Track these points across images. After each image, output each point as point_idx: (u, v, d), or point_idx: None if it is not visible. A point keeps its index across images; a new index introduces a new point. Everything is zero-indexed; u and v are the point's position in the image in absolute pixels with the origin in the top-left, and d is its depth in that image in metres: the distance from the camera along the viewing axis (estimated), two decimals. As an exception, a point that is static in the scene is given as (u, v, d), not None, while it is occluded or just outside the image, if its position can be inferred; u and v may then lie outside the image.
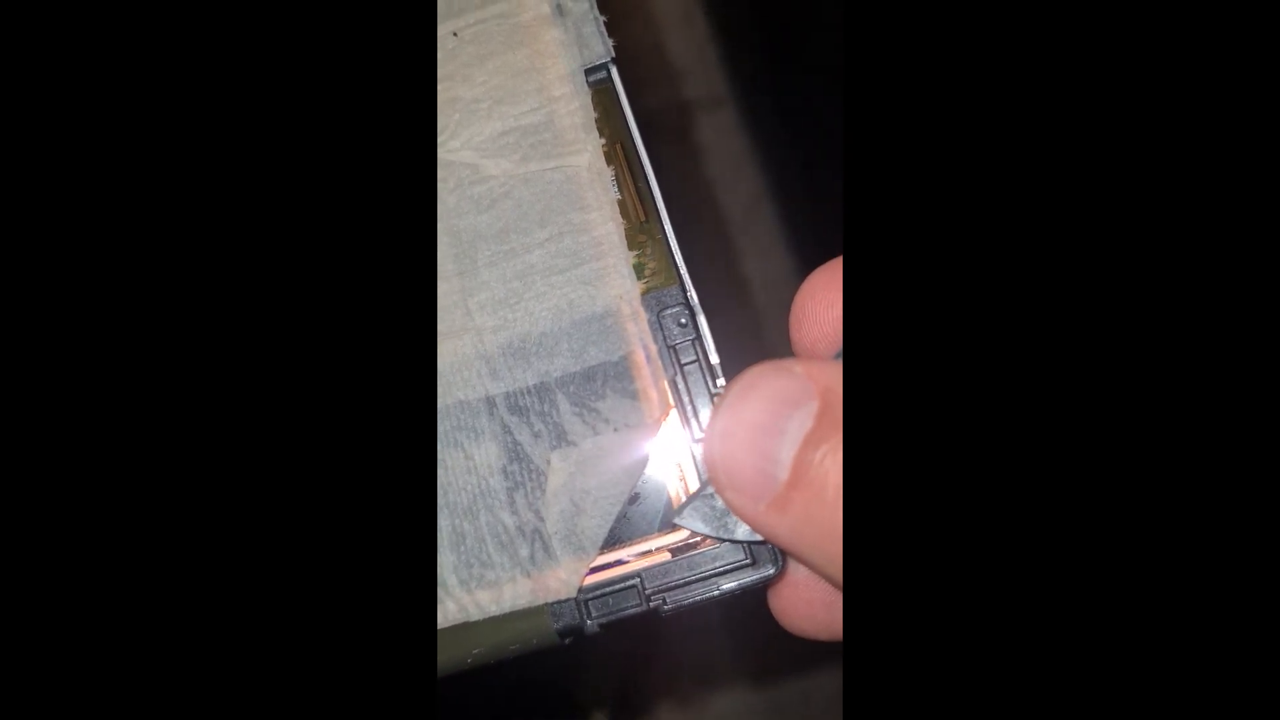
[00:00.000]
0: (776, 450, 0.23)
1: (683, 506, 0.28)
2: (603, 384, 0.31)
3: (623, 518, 0.30)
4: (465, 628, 0.30)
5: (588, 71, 0.33)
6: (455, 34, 0.35)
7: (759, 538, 0.27)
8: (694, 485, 0.30)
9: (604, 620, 0.30)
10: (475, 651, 0.30)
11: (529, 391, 0.31)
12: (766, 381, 0.24)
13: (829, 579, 0.24)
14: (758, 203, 0.89)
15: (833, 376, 0.24)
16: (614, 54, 0.34)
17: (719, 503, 0.27)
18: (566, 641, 0.30)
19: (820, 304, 0.29)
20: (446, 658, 0.30)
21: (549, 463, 0.30)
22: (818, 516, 0.23)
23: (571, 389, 0.31)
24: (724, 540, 0.29)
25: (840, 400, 0.23)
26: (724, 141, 0.90)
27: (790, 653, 0.86)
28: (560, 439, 0.31)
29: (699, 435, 0.30)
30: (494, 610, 0.30)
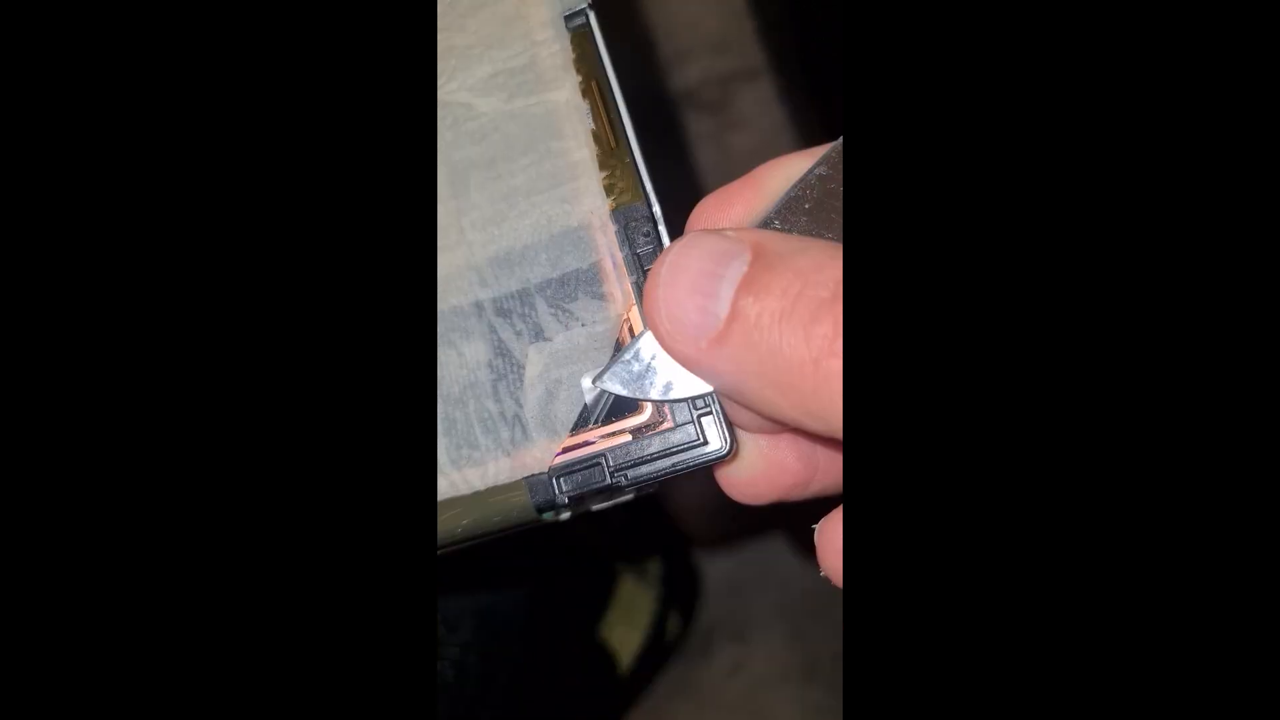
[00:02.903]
0: (717, 290, 0.27)
1: (602, 371, 0.32)
2: (575, 287, 0.35)
3: (592, 405, 0.34)
4: (455, 501, 0.35)
5: (567, 17, 0.37)
6: (455, -10, 0.39)
7: (673, 397, 0.31)
8: (652, 374, 0.34)
9: (573, 493, 0.34)
10: (464, 523, 0.35)
11: (513, 296, 0.35)
12: (704, 239, 0.28)
13: (765, 408, 0.28)
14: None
15: (761, 235, 0.28)
16: (592, 1, 0.38)
17: (635, 366, 0.31)
18: (544, 517, 0.35)
19: (710, 222, 0.33)
20: (440, 528, 0.35)
21: (528, 356, 0.35)
22: (758, 342, 0.26)
23: (549, 293, 0.35)
24: (641, 400, 0.32)
25: (771, 252, 0.27)
26: (762, 113, 0.93)
27: (830, 616, 0.88)
28: (538, 336, 0.35)
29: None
30: (479, 486, 0.34)
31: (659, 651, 0.76)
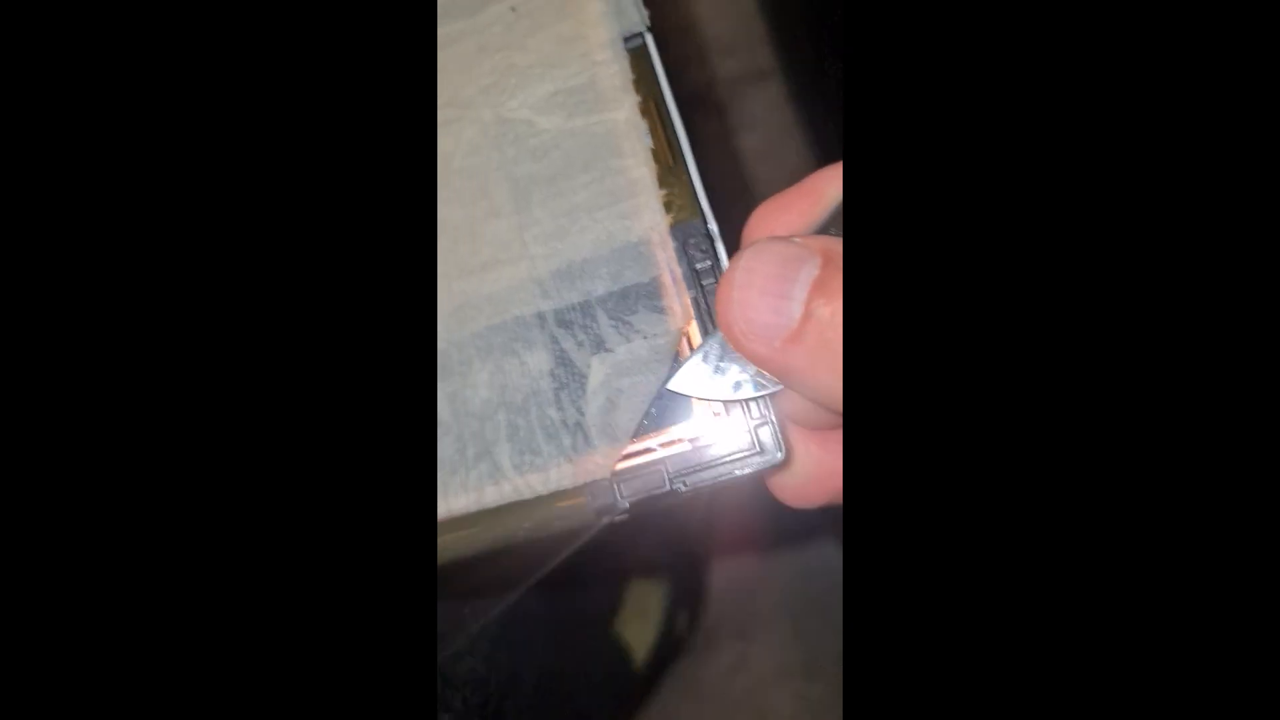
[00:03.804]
0: (789, 292, 0.29)
1: (674, 374, 0.34)
2: (635, 301, 0.36)
3: (651, 413, 0.36)
4: (517, 505, 0.36)
5: (626, 39, 0.39)
6: (513, 9, 0.40)
7: (741, 397, 0.33)
8: (710, 386, 0.35)
9: (633, 498, 0.35)
10: (525, 526, 0.36)
11: (574, 308, 0.37)
12: (775, 245, 0.30)
13: (835, 403, 0.29)
14: (801, 175, 0.93)
15: (828, 241, 0.29)
16: (649, 23, 0.39)
17: (705, 368, 0.33)
18: (603, 520, 0.36)
19: (767, 229, 0.34)
20: (502, 531, 0.36)
21: (589, 366, 0.36)
22: (830, 340, 0.28)
23: (609, 305, 0.37)
24: (712, 400, 0.34)
25: (838, 257, 0.28)
26: (771, 115, 0.95)
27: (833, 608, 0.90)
28: (599, 347, 0.36)
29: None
30: (541, 490, 0.36)
31: (669, 647, 0.78)
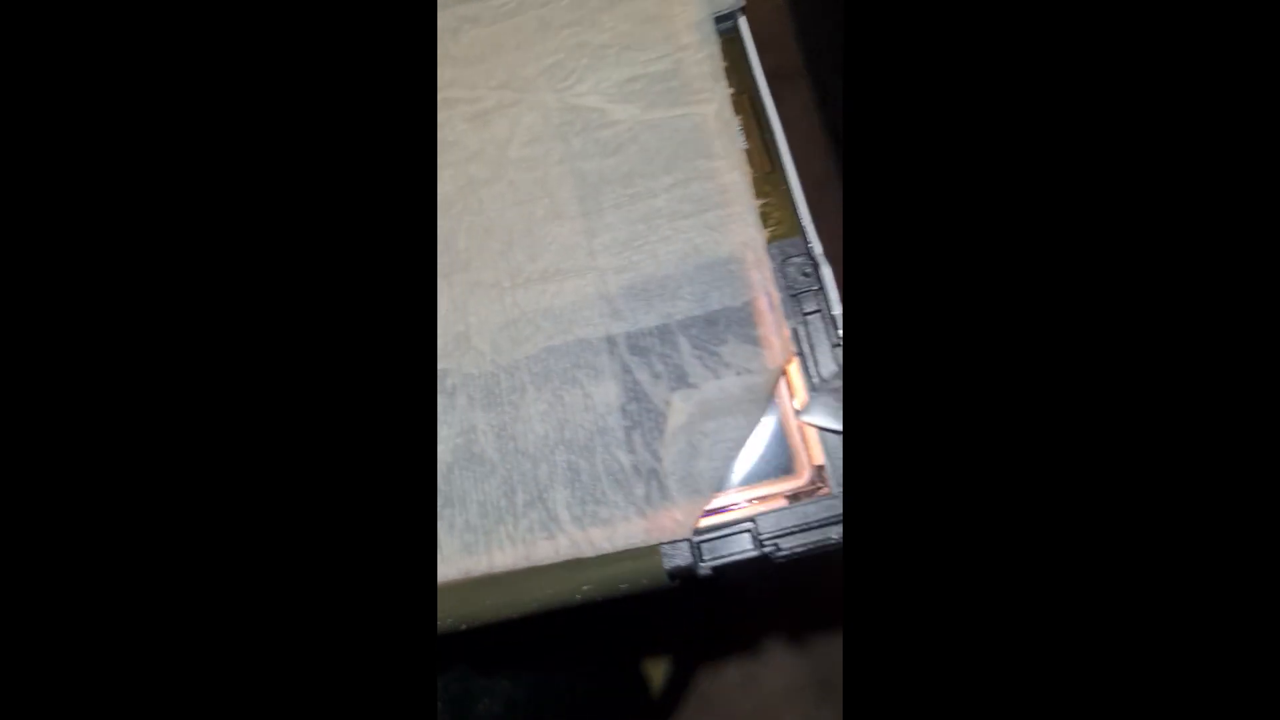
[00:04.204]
0: None
1: (807, 404, 0.28)
2: (725, 328, 0.31)
3: (741, 463, 0.30)
4: (576, 564, 0.31)
5: (717, 19, 0.33)
6: (585, -22, 0.35)
7: None
8: (813, 435, 0.30)
9: (716, 564, 0.30)
10: (584, 588, 0.31)
11: (650, 333, 0.31)
12: None
13: None
14: (829, 180, 0.88)
15: None
16: (744, 2, 0.33)
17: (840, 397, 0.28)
18: (675, 582, 0.31)
19: None
20: (555, 592, 0.31)
21: (668, 403, 0.31)
22: None
23: (693, 332, 0.31)
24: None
25: None
26: (801, 116, 0.90)
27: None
28: (680, 380, 0.31)
29: (819, 382, 0.30)
30: (606, 548, 0.30)
31: (686, 670, 0.73)
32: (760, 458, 0.30)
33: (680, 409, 0.30)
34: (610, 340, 0.31)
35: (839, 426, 0.28)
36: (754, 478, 0.30)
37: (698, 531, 0.30)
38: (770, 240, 0.31)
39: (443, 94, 0.35)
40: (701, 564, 0.30)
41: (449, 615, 0.31)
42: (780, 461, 0.30)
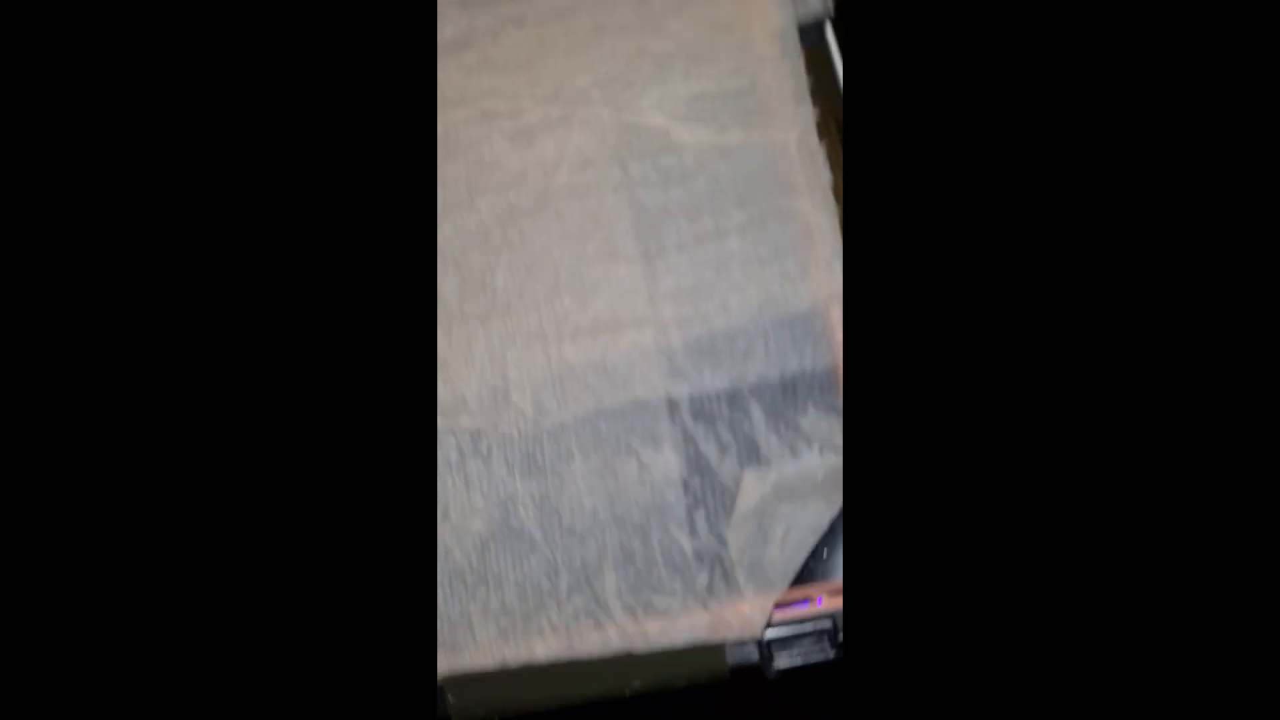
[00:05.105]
0: None
1: None
2: (804, 396, 0.27)
3: (817, 552, 0.26)
4: (628, 658, 0.27)
5: (801, 30, 0.29)
6: (648, -24, 0.30)
7: None
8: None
9: (789, 665, 0.26)
10: (634, 684, 0.27)
11: (718, 397, 0.27)
12: None
13: None
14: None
15: None
16: (834, 11, 0.29)
17: None
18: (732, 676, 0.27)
19: None
20: (602, 688, 0.27)
21: (738, 481, 0.27)
22: None
23: (767, 398, 0.27)
24: None
25: None
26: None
27: None
28: (752, 455, 0.27)
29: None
30: (663, 643, 0.27)
31: None
32: (839, 547, 0.26)
33: (752, 489, 0.26)
34: (671, 403, 0.27)
35: None
36: (835, 570, 0.26)
37: (772, 631, 0.26)
38: (858, 292, 0.27)
39: (480, 105, 0.31)
40: (771, 668, 0.26)
41: (481, 707, 0.28)
42: (865, 552, 0.26)
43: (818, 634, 0.26)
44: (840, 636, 0.26)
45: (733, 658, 0.27)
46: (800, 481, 0.26)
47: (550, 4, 0.31)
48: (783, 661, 0.26)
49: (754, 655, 0.26)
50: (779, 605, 0.26)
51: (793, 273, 0.27)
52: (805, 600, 0.26)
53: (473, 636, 0.28)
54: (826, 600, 0.26)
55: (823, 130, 0.28)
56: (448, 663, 0.28)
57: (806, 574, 0.26)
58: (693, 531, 0.27)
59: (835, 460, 0.26)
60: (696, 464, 0.27)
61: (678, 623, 0.27)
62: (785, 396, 0.27)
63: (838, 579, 0.26)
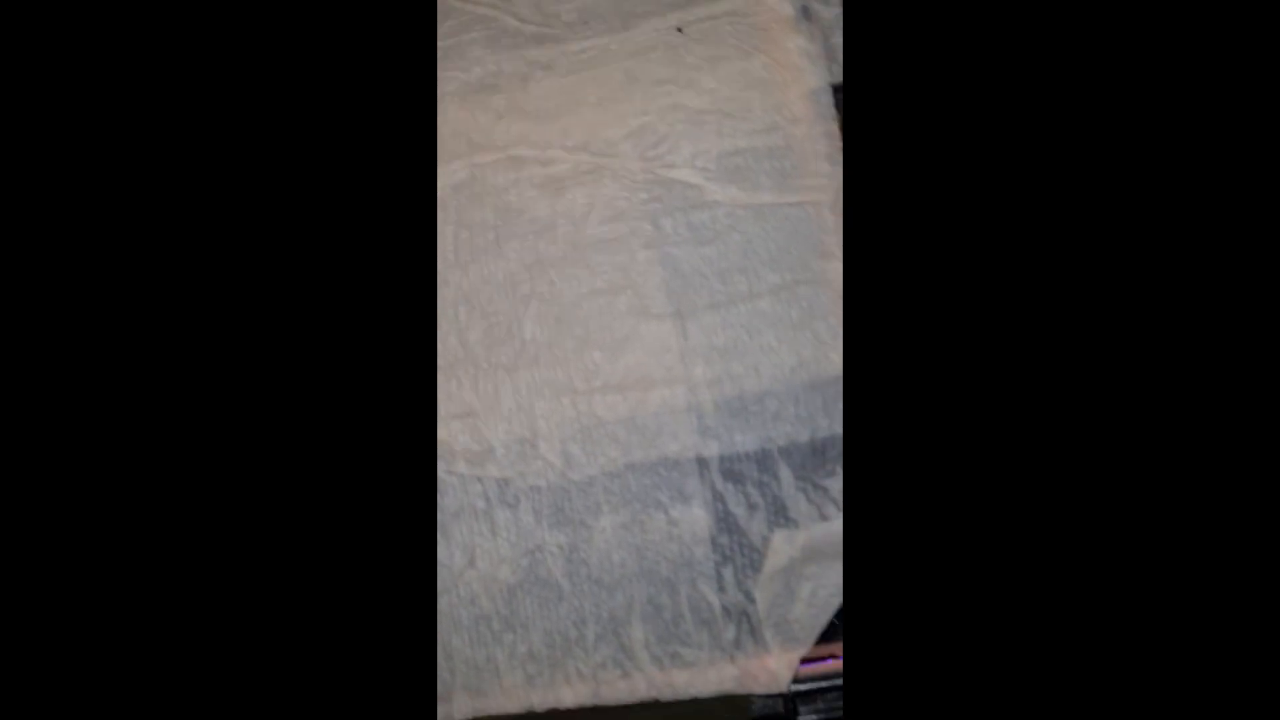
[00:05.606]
0: None
1: None
2: (835, 460, 0.27)
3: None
4: (653, 706, 0.28)
5: (836, 90, 0.29)
6: (680, 29, 0.30)
7: None
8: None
9: (812, 718, 0.27)
10: (660, 731, 0.28)
11: (748, 457, 0.28)
12: None
13: None
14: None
15: None
16: (866, 73, 0.29)
17: None
18: (758, 725, 0.28)
19: None
20: (626, 734, 0.28)
21: (767, 540, 0.27)
22: None
23: (797, 460, 0.28)
24: None
25: None
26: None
27: None
28: (780, 515, 0.27)
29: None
30: (689, 694, 0.27)
31: None
32: (867, 607, 0.27)
33: (781, 550, 0.27)
34: (701, 462, 0.28)
35: None
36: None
37: (798, 685, 0.27)
38: (885, 356, 0.28)
39: (509, 152, 0.30)
40: (797, 718, 0.27)
41: (507, 751, 0.28)
42: (887, 611, 0.27)
43: (840, 690, 0.27)
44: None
45: (757, 709, 0.27)
46: (828, 544, 0.27)
47: (581, 53, 0.31)
48: (807, 715, 0.27)
49: (778, 708, 0.27)
50: (804, 661, 0.27)
51: (824, 337, 0.28)
52: (829, 657, 0.27)
53: (499, 681, 0.28)
54: (849, 656, 0.27)
55: (854, 193, 0.29)
56: (472, 706, 0.28)
57: (832, 632, 0.27)
58: (721, 587, 0.28)
59: (863, 524, 0.27)
60: (725, 522, 0.28)
61: (705, 674, 0.27)
62: (814, 459, 0.28)
63: (860, 636, 0.27)
